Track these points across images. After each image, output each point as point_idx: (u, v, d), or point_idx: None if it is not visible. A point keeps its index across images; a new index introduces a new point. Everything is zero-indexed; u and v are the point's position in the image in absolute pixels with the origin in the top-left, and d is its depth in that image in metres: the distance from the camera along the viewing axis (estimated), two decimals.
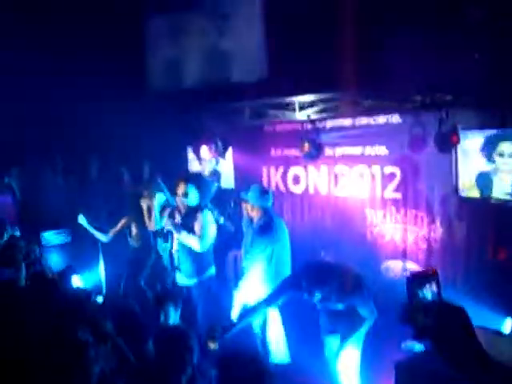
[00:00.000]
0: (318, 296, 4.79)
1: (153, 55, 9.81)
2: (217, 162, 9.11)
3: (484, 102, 6.27)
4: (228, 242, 7.90)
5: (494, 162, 6.32)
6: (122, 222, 7.73)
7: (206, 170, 9.13)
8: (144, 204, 7.66)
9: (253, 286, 5.95)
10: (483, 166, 6.42)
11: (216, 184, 8.53)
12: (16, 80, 7.98)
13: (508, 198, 6.24)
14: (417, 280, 4.17)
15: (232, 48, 8.74)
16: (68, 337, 3.83)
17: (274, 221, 6.08)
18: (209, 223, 6.36)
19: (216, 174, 9.20)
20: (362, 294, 4.96)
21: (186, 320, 6.25)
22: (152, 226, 7.61)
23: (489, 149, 6.35)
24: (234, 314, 5.87)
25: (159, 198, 7.61)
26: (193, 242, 6.24)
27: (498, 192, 6.33)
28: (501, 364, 2.32)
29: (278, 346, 6.28)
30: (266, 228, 5.96)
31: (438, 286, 4.17)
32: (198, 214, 6.32)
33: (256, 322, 6.12)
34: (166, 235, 7.11)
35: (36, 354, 3.79)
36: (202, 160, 9.44)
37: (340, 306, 4.98)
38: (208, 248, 6.40)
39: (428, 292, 4.10)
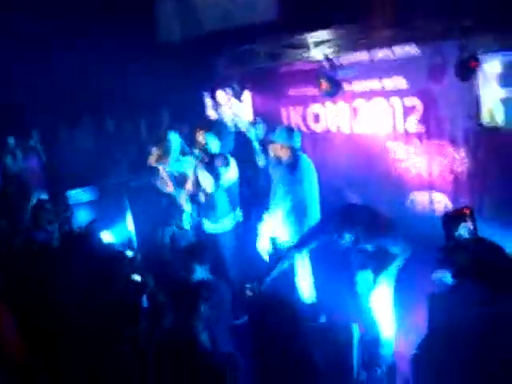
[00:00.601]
0: (347, 238, 4.83)
1: (163, 2, 9.68)
2: (233, 107, 9.01)
3: (503, 25, 6.07)
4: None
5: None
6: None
7: (226, 115, 9.06)
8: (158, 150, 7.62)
9: (279, 223, 6.03)
10: (504, 92, 6.28)
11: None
12: (23, 41, 7.95)
13: None
14: (451, 220, 4.15)
15: None
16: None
17: (303, 159, 6.09)
18: (228, 168, 6.42)
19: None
20: (390, 234, 4.98)
21: (216, 269, 6.45)
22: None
23: (508, 72, 6.21)
24: (260, 246, 6.05)
25: (175, 142, 7.53)
26: (208, 183, 6.36)
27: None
28: None
29: (306, 288, 6.36)
30: (296, 166, 5.97)
31: (474, 224, 4.15)
32: (218, 159, 6.38)
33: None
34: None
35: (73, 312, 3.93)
36: (220, 105, 9.38)
37: (369, 247, 5.01)
38: (230, 192, 6.48)
39: (464, 231, 4.08)
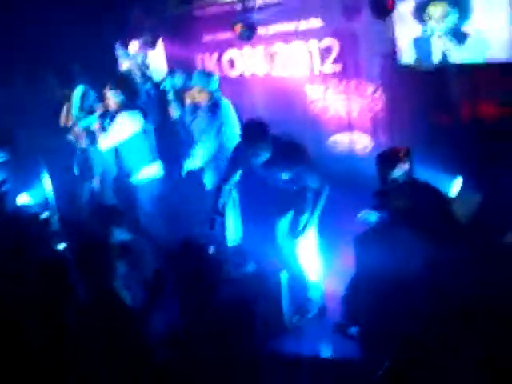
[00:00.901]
0: (262, 157, 4.75)
1: None
2: (145, 57, 8.69)
3: None
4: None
5: (425, 25, 6.22)
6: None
7: (135, 66, 8.71)
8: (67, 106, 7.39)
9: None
10: (418, 30, 6.30)
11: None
12: None
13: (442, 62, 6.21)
14: (386, 161, 4.05)
15: None
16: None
17: (223, 101, 5.99)
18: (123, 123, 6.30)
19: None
20: (305, 159, 4.92)
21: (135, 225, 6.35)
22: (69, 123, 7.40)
23: (420, 12, 6.22)
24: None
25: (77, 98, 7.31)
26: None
27: (435, 57, 6.27)
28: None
29: (234, 229, 6.33)
30: (216, 109, 5.89)
31: (411, 166, 4.06)
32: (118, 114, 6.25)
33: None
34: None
35: None
36: (132, 56, 9.02)
37: (287, 176, 4.93)
38: (133, 147, 6.38)
39: (400, 173, 3.98)
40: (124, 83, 6.45)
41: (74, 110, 7.16)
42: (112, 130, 6.28)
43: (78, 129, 7.37)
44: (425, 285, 2.60)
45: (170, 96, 7.26)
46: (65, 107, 7.35)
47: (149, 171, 6.48)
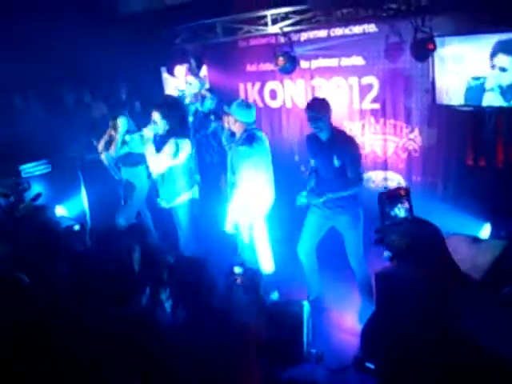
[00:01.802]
0: (324, 131, 5.33)
1: None
2: (202, 85, 8.89)
3: (460, 7, 6.13)
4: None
5: (472, 69, 6.26)
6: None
7: (188, 92, 8.93)
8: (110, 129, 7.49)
9: (243, 198, 6.03)
10: (459, 72, 6.36)
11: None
12: None
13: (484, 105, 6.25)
14: (387, 199, 4.15)
15: None
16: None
17: (257, 134, 6.07)
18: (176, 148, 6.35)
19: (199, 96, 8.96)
20: (358, 150, 5.49)
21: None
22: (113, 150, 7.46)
23: (462, 54, 6.29)
24: (227, 226, 6.10)
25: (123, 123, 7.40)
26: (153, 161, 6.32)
27: (476, 100, 6.31)
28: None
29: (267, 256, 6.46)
30: (249, 140, 5.94)
31: (410, 205, 4.16)
32: (170, 139, 6.31)
33: None
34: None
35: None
36: (177, 80, 9.27)
37: (338, 163, 5.31)
38: (180, 172, 6.41)
39: (400, 210, 4.09)
40: (172, 107, 6.47)
41: (120, 135, 7.19)
42: (165, 155, 6.25)
43: (107, 163, 7.50)
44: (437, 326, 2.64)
45: (212, 117, 7.41)
46: (108, 133, 7.40)
47: (189, 194, 6.54)
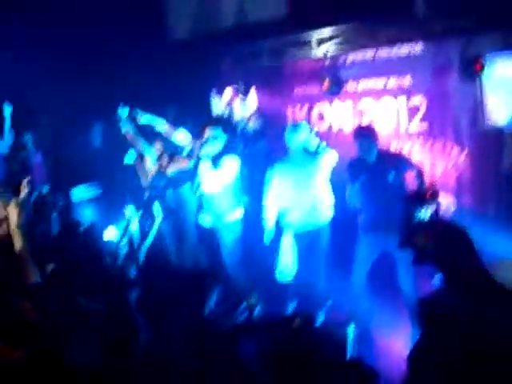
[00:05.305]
0: (373, 152, 5.52)
1: (170, 3, 9.77)
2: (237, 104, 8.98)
3: (509, 26, 6.02)
4: None
5: None
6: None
7: (237, 113, 9.01)
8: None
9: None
10: (509, 93, 6.23)
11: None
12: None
13: None
14: (416, 200, 4.08)
15: None
16: None
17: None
18: (230, 166, 6.38)
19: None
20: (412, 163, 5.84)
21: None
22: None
23: None
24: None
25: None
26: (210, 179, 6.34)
27: None
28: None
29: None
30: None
31: (438, 206, 4.08)
32: (223, 157, 6.35)
33: None
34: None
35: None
36: (229, 103, 9.36)
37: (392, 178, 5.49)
38: (230, 191, 6.45)
39: (426, 212, 4.00)
40: (224, 126, 6.55)
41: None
42: (220, 173, 6.29)
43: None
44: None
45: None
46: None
47: (236, 214, 6.56)
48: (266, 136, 7.98)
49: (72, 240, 5.20)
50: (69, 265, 4.35)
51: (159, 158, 7.36)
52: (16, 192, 3.89)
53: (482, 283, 2.06)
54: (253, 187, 7.14)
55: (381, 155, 5.43)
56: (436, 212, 3.86)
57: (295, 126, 6.47)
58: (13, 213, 3.64)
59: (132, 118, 7.33)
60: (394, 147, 7.65)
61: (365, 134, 5.45)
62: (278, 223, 6.37)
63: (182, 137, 7.11)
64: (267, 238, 6.31)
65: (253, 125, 8.27)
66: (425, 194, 3.53)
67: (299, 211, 6.19)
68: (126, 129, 7.28)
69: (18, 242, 3.59)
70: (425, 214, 3.89)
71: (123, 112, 7.38)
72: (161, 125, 7.22)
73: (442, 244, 2.13)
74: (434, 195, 3.87)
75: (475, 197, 7.01)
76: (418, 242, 2.54)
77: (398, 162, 5.44)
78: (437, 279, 4.32)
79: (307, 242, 6.24)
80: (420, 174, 5.58)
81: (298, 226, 6.22)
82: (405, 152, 7.55)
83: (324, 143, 6.21)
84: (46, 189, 7.04)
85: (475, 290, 2.06)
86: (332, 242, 6.30)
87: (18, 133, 8.17)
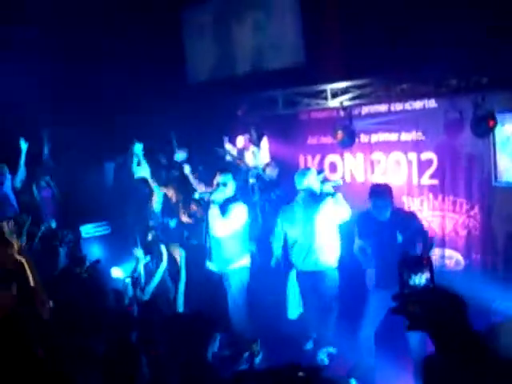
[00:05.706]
0: (384, 209, 5.43)
1: (191, 46, 9.96)
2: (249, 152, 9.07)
3: None
4: None
5: None
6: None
7: (248, 161, 9.07)
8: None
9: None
10: None
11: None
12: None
13: None
14: (409, 267, 4.05)
15: (268, 37, 8.83)
16: None
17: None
18: (240, 212, 6.38)
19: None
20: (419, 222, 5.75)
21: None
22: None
23: None
24: None
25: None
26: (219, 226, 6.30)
27: None
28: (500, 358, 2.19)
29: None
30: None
31: (432, 273, 4.04)
32: (232, 203, 6.35)
33: None
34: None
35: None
36: (240, 150, 9.44)
37: (401, 238, 5.35)
38: (238, 238, 6.43)
39: (420, 279, 3.97)
40: (234, 174, 6.61)
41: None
42: (232, 218, 6.29)
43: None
44: None
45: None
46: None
47: (244, 260, 6.53)
48: (281, 185, 8.01)
49: (76, 275, 5.20)
50: (71, 301, 4.35)
51: (170, 199, 7.41)
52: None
53: (472, 353, 2.03)
54: (267, 235, 7.16)
55: (393, 213, 5.41)
56: (430, 279, 3.84)
57: (304, 170, 6.57)
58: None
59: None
60: (404, 202, 7.66)
61: (380, 193, 5.43)
62: (285, 262, 6.43)
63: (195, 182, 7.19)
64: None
65: (269, 173, 8.32)
66: (418, 261, 3.52)
67: (302, 250, 6.23)
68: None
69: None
70: (419, 280, 3.87)
71: (137, 148, 7.50)
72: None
73: (435, 313, 2.10)
74: (428, 262, 3.86)
75: (484, 254, 6.95)
76: (411, 309, 2.50)
77: (410, 222, 5.41)
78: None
79: (311, 282, 6.23)
80: (426, 238, 5.54)
81: (301, 264, 6.27)
82: (415, 207, 7.56)
83: (331, 188, 6.22)
84: (54, 223, 7.11)
85: (464, 361, 2.04)
86: (342, 293, 6.24)
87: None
